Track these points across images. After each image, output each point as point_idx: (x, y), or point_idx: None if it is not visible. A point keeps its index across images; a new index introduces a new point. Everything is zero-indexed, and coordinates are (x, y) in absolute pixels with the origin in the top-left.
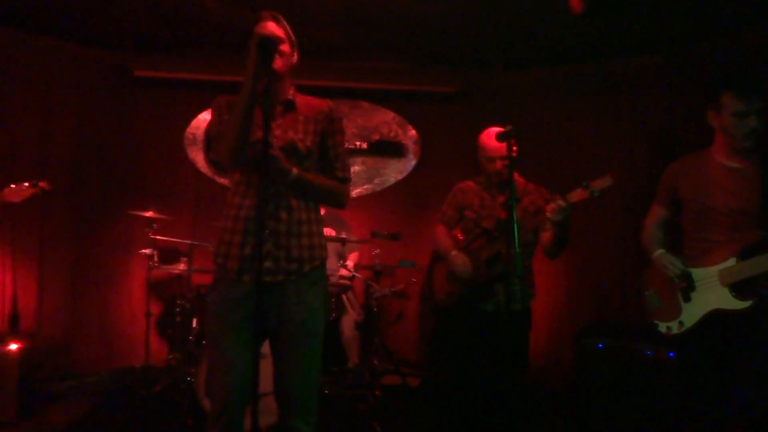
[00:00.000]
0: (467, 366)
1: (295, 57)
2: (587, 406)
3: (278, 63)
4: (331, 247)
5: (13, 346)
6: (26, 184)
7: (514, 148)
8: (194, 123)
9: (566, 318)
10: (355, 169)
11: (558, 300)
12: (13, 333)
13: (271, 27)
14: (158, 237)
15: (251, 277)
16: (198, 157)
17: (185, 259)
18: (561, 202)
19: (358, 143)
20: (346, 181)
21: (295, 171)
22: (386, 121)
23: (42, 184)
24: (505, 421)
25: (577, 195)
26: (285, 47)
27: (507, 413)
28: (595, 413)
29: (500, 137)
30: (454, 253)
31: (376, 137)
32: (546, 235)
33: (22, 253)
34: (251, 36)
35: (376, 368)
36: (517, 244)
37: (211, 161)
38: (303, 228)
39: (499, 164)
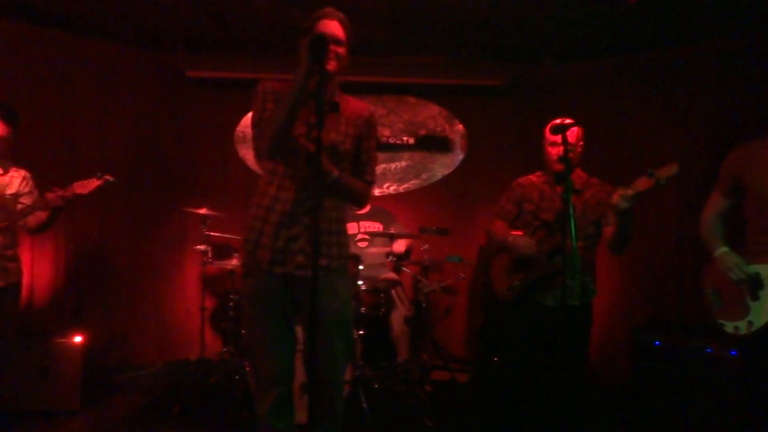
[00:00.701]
0: (524, 361)
1: (347, 59)
2: (643, 405)
3: (332, 65)
4: (380, 242)
5: (77, 339)
6: (92, 178)
7: (581, 142)
8: (243, 121)
9: (621, 313)
10: (402, 164)
11: (612, 295)
12: (77, 326)
13: (334, 27)
14: (212, 233)
15: (282, 269)
16: (248, 155)
17: (237, 254)
18: (628, 191)
19: (405, 138)
20: (372, 183)
21: (335, 173)
22: (433, 116)
23: (107, 176)
24: (559, 418)
25: (642, 184)
26: (342, 50)
27: (562, 410)
28: (651, 413)
29: (554, 130)
30: (510, 238)
31: (423, 132)
32: (609, 230)
33: (84, 250)
34: (311, 32)
35: (425, 363)
36: (574, 239)
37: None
38: (333, 226)
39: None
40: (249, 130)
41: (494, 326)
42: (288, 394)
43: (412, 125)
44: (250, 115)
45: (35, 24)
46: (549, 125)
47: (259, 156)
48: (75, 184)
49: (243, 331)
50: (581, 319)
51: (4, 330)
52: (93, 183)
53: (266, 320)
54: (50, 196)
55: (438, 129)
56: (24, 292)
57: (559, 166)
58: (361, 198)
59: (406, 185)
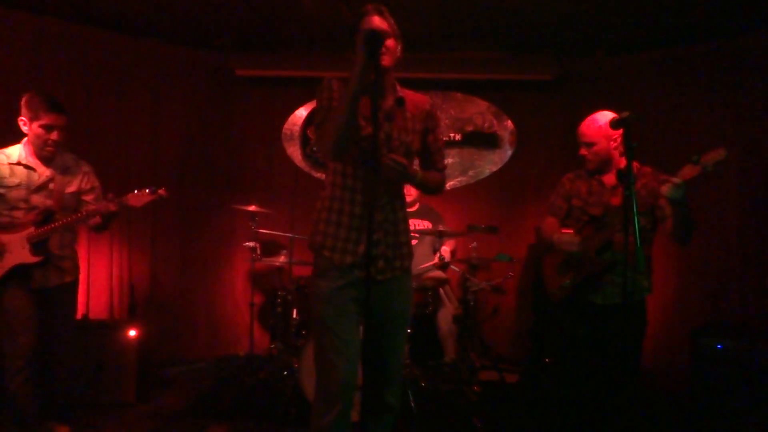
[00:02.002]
0: (575, 361)
1: (399, 50)
2: (704, 412)
3: (386, 59)
4: (428, 240)
5: (132, 333)
6: (147, 190)
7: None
8: (291, 119)
9: (679, 314)
10: (449, 161)
11: (669, 294)
12: (132, 320)
13: (377, 21)
14: (262, 230)
15: (362, 272)
16: (295, 153)
17: (285, 251)
18: (675, 180)
19: (451, 135)
20: (444, 170)
21: (420, 173)
22: (480, 112)
23: (161, 191)
24: (613, 422)
25: (688, 172)
26: (390, 42)
27: (615, 414)
28: (712, 421)
29: (614, 124)
30: (556, 236)
31: (470, 128)
32: (669, 223)
33: (137, 247)
34: (357, 31)
35: (473, 363)
36: (638, 237)
37: (307, 156)
38: (401, 226)
39: (582, 150)
40: (296, 128)
41: (545, 326)
42: (350, 407)
43: (459, 121)
44: (297, 112)
45: (91, 26)
46: (589, 118)
47: (318, 163)
48: (129, 195)
49: (302, 332)
50: (631, 317)
51: (63, 326)
52: (146, 197)
53: (341, 323)
54: (102, 206)
55: (485, 125)
56: (81, 287)
57: (591, 166)
58: (441, 186)
59: (452, 182)
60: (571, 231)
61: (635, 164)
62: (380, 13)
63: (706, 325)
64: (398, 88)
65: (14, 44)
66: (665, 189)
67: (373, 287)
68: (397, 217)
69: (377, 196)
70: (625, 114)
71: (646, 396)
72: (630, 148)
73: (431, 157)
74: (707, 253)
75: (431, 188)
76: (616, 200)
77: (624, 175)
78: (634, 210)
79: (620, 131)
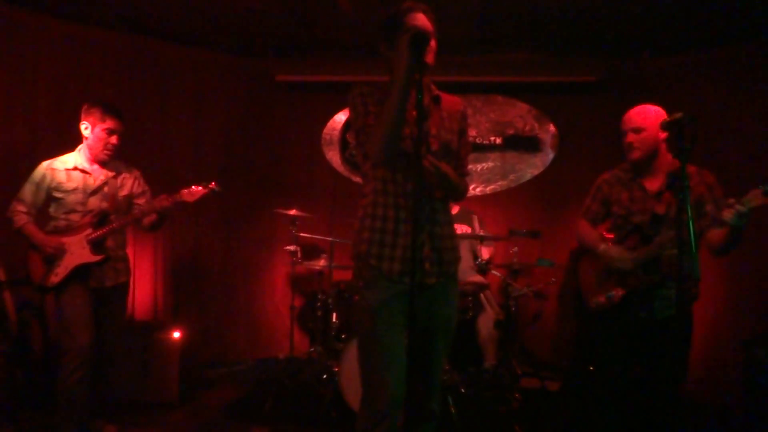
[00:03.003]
0: (618, 373)
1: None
2: (757, 427)
3: (430, 57)
4: (466, 245)
5: (176, 334)
6: (199, 186)
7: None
8: (330, 124)
9: (730, 323)
10: (489, 165)
11: (720, 302)
12: (175, 322)
13: (423, 20)
14: (303, 234)
15: (410, 278)
16: (334, 157)
17: (325, 255)
18: (741, 208)
19: (492, 138)
20: (466, 176)
21: (451, 172)
22: (521, 115)
23: (212, 185)
24: None
25: (756, 200)
26: (434, 41)
27: (660, 428)
28: None
29: (666, 126)
30: (603, 246)
31: (511, 131)
32: (716, 234)
33: (180, 250)
34: (403, 26)
35: (514, 370)
36: (694, 245)
37: (347, 160)
38: (445, 230)
39: (629, 137)
40: (335, 133)
41: (587, 334)
42: (396, 420)
43: (500, 125)
44: (336, 117)
45: (135, 34)
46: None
47: (356, 162)
48: (183, 191)
49: (342, 335)
50: (680, 327)
51: (112, 327)
52: (199, 192)
53: (392, 334)
54: (157, 203)
55: (527, 128)
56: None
57: (636, 155)
58: (463, 193)
59: (492, 186)
60: (613, 236)
61: (677, 162)
62: (425, 12)
63: (760, 335)
64: (432, 87)
65: (63, 54)
66: (728, 215)
67: (418, 293)
68: (441, 220)
69: (422, 197)
70: (678, 115)
71: (695, 408)
72: (684, 150)
73: (460, 161)
74: (760, 258)
75: (455, 192)
76: (660, 208)
77: (677, 179)
78: (689, 217)
79: None
